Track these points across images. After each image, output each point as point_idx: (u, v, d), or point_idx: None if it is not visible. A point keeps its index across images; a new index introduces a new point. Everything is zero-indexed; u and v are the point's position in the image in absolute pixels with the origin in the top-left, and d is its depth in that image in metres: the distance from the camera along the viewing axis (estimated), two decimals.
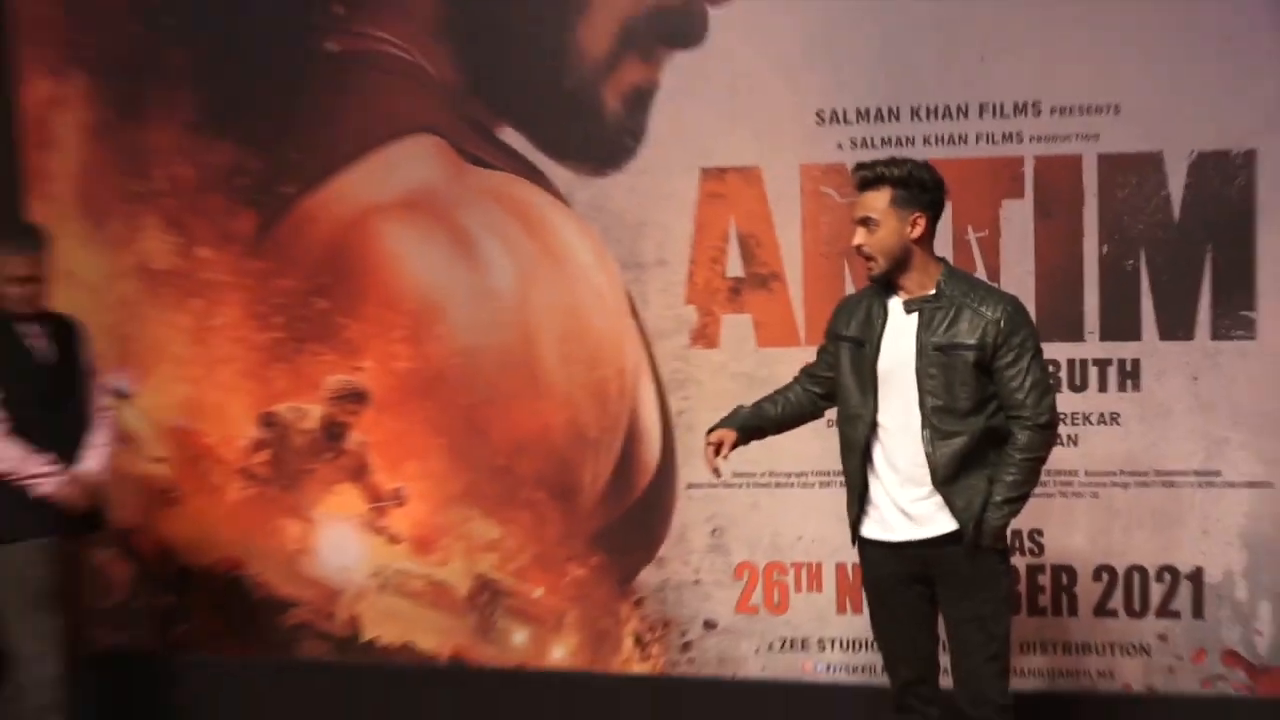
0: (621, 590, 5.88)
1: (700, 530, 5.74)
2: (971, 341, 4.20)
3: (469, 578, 5.93)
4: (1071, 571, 5.38)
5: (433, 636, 5.98)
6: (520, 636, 5.93)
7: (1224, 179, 5.17)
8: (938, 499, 4.22)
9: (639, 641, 5.89)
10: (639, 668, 5.82)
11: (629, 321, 5.66)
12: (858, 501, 4.36)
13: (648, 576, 5.79)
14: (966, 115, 5.33)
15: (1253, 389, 5.25)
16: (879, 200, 4.21)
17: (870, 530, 4.34)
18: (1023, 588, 5.37)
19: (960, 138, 5.34)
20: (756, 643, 5.64)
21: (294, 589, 6.04)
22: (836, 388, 4.44)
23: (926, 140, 5.33)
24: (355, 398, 5.93)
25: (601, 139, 5.63)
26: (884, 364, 4.29)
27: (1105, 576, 5.34)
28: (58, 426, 5.28)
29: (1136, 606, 5.32)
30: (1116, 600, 5.33)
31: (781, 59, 5.46)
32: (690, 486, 5.71)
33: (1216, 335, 5.22)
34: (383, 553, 5.99)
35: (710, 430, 4.53)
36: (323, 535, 6.01)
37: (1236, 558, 5.28)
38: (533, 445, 5.76)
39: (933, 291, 4.27)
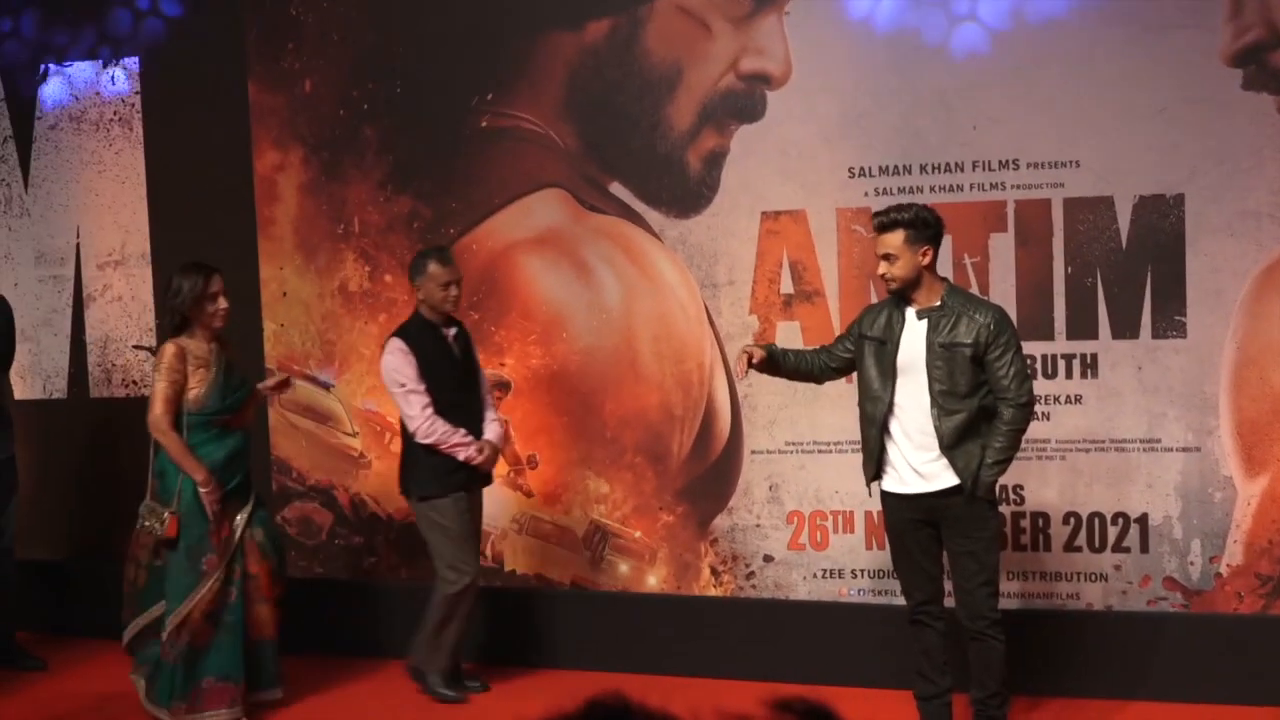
0: (701, 532, 6.19)
1: (761, 486, 6.12)
2: (969, 341, 4.62)
3: (585, 523, 6.29)
4: (1046, 517, 5.83)
5: (558, 568, 6.38)
6: (624, 568, 6.27)
7: (1160, 216, 5.56)
8: (943, 461, 4.65)
9: (714, 572, 6.20)
10: (714, 592, 6.12)
11: (706, 328, 6.01)
12: (875, 463, 4.81)
13: (720, 522, 6.12)
14: (963, 170, 5.74)
15: (1184, 376, 5.63)
16: (895, 239, 4.63)
17: (890, 485, 4.80)
18: (1008, 529, 5.80)
19: (957, 187, 5.76)
20: (804, 572, 6.07)
21: None
22: (859, 375, 4.82)
23: (932, 189, 5.75)
24: (501, 386, 6.27)
25: (686, 190, 6.04)
26: (902, 358, 4.70)
27: (1072, 521, 5.80)
28: (466, 407, 5.69)
29: (1096, 544, 5.76)
30: (1081, 539, 5.77)
31: (822, 129, 5.87)
32: (753, 453, 6.09)
33: (1156, 335, 5.63)
34: (520, 504, 6.38)
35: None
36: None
37: (1173, 506, 5.69)
38: (633, 421, 6.12)
39: (938, 303, 4.69)
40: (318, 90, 6.60)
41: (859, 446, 5.17)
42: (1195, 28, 5.57)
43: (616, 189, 6.20)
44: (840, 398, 5.84)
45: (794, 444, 6.04)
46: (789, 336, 5.95)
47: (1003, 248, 5.78)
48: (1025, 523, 5.90)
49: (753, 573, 6.22)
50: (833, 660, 5.87)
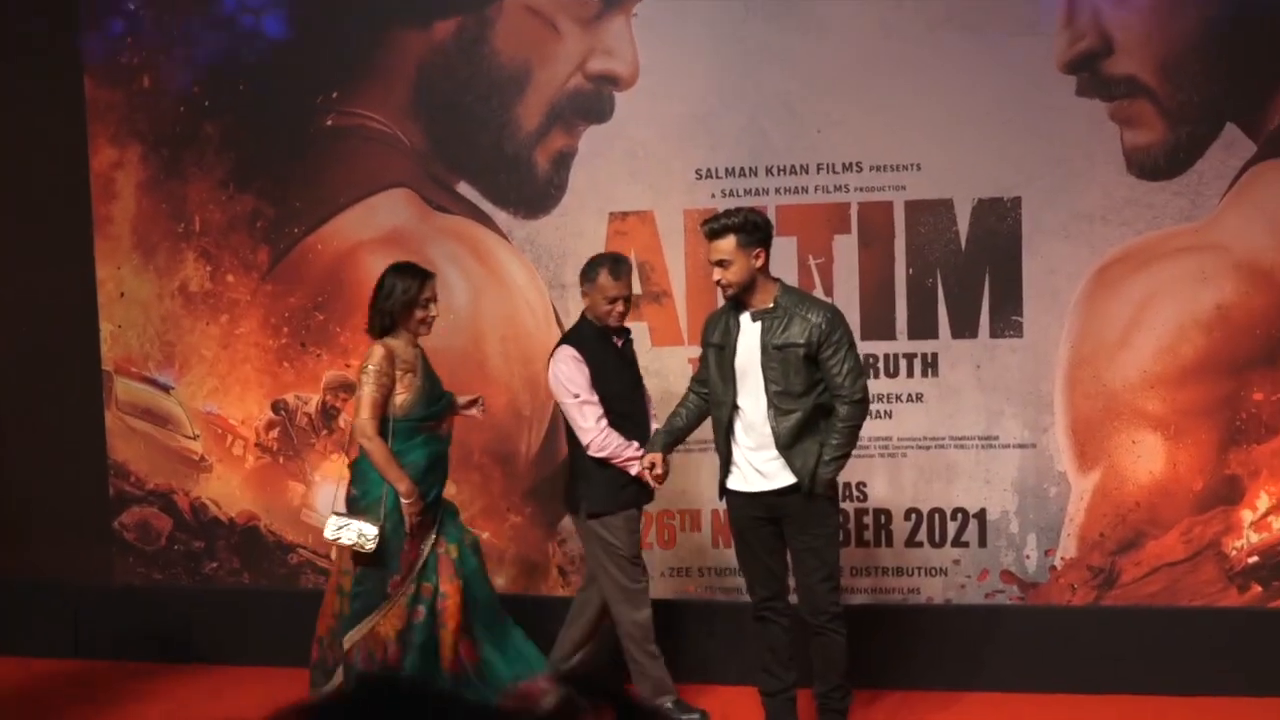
0: (549, 533, 6.02)
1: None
2: (801, 341, 4.50)
3: None
4: (888, 513, 5.70)
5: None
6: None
7: (998, 218, 5.49)
8: (781, 460, 4.53)
9: (562, 572, 6.04)
10: (562, 592, 5.88)
11: (555, 328, 5.78)
12: (725, 465, 4.68)
13: (568, 523, 5.77)
14: (807, 172, 5.61)
15: (1021, 374, 5.56)
16: (728, 245, 4.48)
17: (734, 484, 4.66)
18: (851, 526, 5.67)
19: (803, 189, 5.62)
20: (651, 571, 5.59)
21: (297, 535, 6.16)
22: (709, 382, 4.72)
23: (778, 190, 5.61)
24: (346, 388, 5.98)
25: (534, 191, 5.82)
26: (739, 361, 4.59)
27: (913, 516, 5.69)
28: (635, 419, 5.21)
29: (937, 539, 5.67)
30: (922, 534, 5.67)
31: (670, 130, 5.68)
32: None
33: (994, 334, 5.56)
34: None
35: (641, 458, 4.79)
36: (320, 493, 6.09)
37: (1010, 501, 5.62)
38: (481, 422, 5.70)
39: (771, 305, 4.54)
40: (157, 86, 6.19)
41: (706, 447, 5.05)
42: (1032, 35, 5.48)
43: (464, 189, 5.96)
44: None
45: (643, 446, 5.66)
46: (637, 337, 5.68)
47: (846, 249, 5.66)
48: (868, 519, 5.77)
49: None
50: (679, 657, 5.61)
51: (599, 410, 5.07)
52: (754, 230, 4.53)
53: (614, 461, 5.10)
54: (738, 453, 4.64)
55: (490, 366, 5.96)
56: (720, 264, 4.49)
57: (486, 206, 5.93)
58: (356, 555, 4.85)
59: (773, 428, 4.51)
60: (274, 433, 6.14)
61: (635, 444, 5.12)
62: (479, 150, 5.90)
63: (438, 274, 5.28)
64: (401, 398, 4.89)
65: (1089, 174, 5.46)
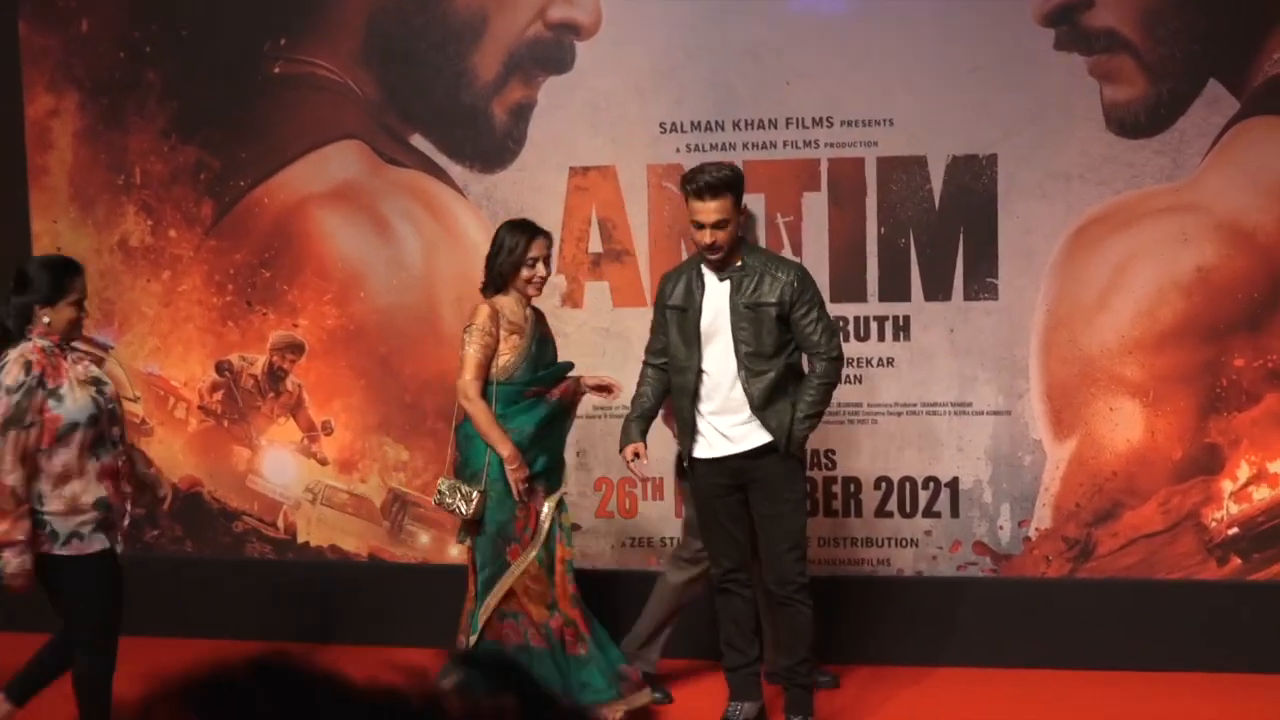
0: None
1: (568, 452, 5.42)
2: (773, 300, 4.40)
3: (383, 491, 5.89)
4: (857, 482, 5.56)
5: (354, 539, 5.96)
6: (424, 539, 5.88)
7: (973, 176, 5.36)
8: (754, 422, 4.42)
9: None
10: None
11: None
12: (690, 435, 4.53)
13: None
14: (776, 126, 5.47)
15: (996, 339, 5.45)
16: (726, 204, 4.34)
17: (700, 451, 4.54)
18: (820, 495, 5.54)
19: (771, 144, 5.48)
20: (612, 540, 5.72)
21: (242, 502, 6.00)
22: (668, 347, 4.57)
23: (745, 146, 5.47)
24: (293, 348, 5.88)
25: (491, 144, 5.66)
26: (705, 323, 4.46)
27: (883, 485, 5.55)
28: None
29: (907, 509, 5.53)
30: (892, 504, 5.53)
31: (633, 81, 5.54)
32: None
33: (968, 297, 5.43)
34: (314, 472, 5.96)
35: (622, 449, 4.66)
36: (266, 459, 5.98)
37: (984, 470, 5.50)
38: (434, 384, 5.68)
39: (739, 263, 4.43)
40: (95, 30, 5.96)
41: (667, 414, 4.89)
42: None
43: (418, 141, 5.79)
44: None
45: (602, 409, 5.55)
46: (598, 297, 5.64)
47: (816, 207, 5.53)
48: (836, 488, 5.63)
49: None
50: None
51: None
52: (739, 188, 4.45)
53: None
54: (701, 421, 4.52)
55: (444, 327, 5.78)
56: (717, 225, 4.33)
57: (441, 160, 5.77)
58: (468, 525, 4.70)
59: (745, 389, 4.41)
60: (218, 395, 6.00)
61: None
62: (434, 101, 5.74)
63: (392, 228, 5.17)
64: (505, 359, 4.69)
65: (1067, 131, 5.34)
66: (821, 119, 5.49)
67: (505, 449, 4.58)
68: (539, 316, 4.84)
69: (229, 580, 5.94)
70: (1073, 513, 5.50)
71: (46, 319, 3.87)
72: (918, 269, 5.48)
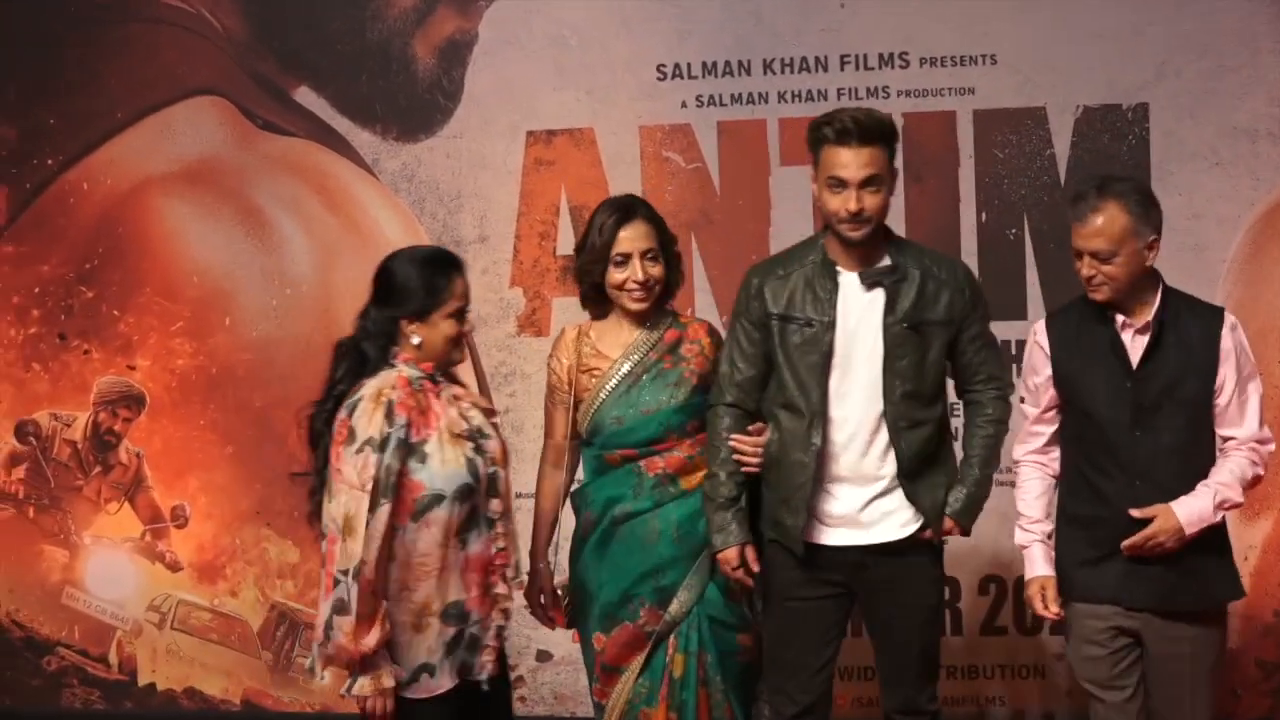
0: None
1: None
2: (941, 316, 3.69)
3: (263, 609, 5.21)
4: (954, 584, 4.58)
5: (221, 679, 5.25)
6: (324, 676, 5.03)
7: (1114, 137, 4.64)
8: (895, 496, 3.70)
9: None
10: None
11: None
12: (795, 509, 3.67)
13: None
14: (826, 69, 4.77)
15: None
16: (881, 158, 3.61)
17: (819, 534, 3.70)
18: None
19: (820, 94, 4.75)
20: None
21: (56, 628, 5.29)
22: (761, 380, 3.75)
23: (782, 97, 4.74)
24: (128, 402, 5.26)
25: (412, 99, 5.02)
26: (843, 346, 3.70)
27: (992, 589, 4.60)
28: None
29: (1028, 622, 4.54)
30: (1005, 615, 4.59)
31: (616, 6, 4.91)
32: (519, 496, 4.46)
33: None
34: (161, 582, 5.26)
35: (719, 551, 3.75)
36: (91, 563, 5.27)
37: None
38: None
39: (887, 261, 3.69)
40: None
41: None
42: None
43: (305, 96, 5.09)
44: None
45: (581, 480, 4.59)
46: (571, 316, 4.68)
47: None
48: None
49: (520, 678, 5.05)
50: None
51: None
52: (897, 144, 3.75)
53: None
54: (824, 494, 3.71)
55: None
56: (868, 184, 3.58)
57: (339, 123, 5.10)
58: None
59: (896, 446, 3.67)
60: (19, 471, 5.31)
61: None
62: (327, 39, 5.09)
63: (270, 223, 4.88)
64: None
65: (1249, 69, 4.61)
66: (892, 56, 4.77)
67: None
68: None
69: None
70: (1270, 626, 4.64)
71: (417, 339, 3.45)
72: (1035, 271, 4.72)
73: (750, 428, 3.70)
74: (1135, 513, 3.24)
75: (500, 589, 3.45)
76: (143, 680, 5.23)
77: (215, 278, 5.15)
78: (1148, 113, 4.60)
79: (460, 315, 3.45)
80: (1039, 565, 3.43)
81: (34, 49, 5.19)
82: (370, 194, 5.07)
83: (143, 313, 5.15)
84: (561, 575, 3.80)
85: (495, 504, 3.45)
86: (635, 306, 3.73)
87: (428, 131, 4.99)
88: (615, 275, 3.69)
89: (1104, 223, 3.31)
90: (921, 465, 3.70)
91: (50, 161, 5.18)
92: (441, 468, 3.34)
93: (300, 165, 5.11)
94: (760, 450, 3.65)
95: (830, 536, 3.71)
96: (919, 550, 3.74)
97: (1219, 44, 4.57)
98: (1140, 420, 3.28)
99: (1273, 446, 3.27)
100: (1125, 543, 3.27)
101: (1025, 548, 3.43)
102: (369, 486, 3.27)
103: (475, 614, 3.40)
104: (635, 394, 3.76)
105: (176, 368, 5.17)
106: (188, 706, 5.24)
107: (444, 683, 3.36)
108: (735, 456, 3.69)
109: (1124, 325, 3.31)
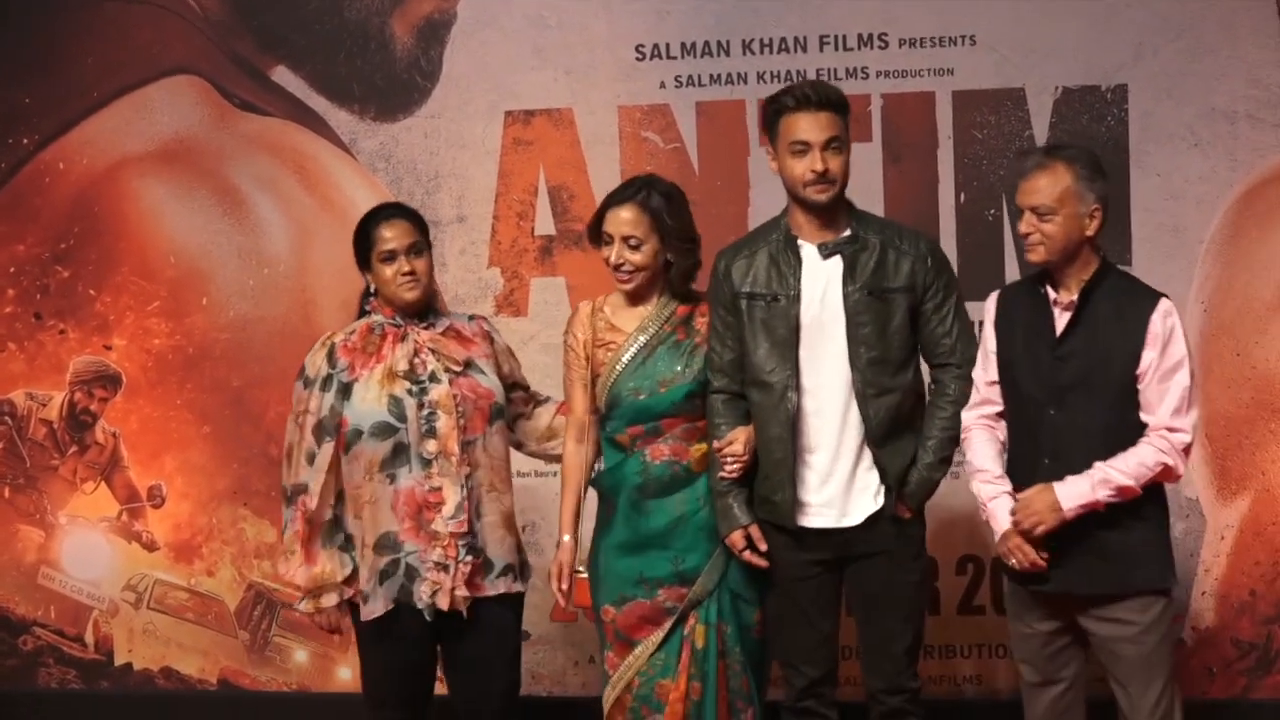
0: None
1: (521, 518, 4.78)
2: (902, 284, 3.73)
3: (240, 588, 5.20)
4: (932, 564, 4.49)
5: (198, 658, 5.25)
6: (301, 655, 5.21)
7: (1093, 117, 4.65)
8: (868, 466, 3.71)
9: None
10: (439, 688, 4.53)
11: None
12: (781, 487, 3.69)
13: None
14: (805, 49, 4.77)
15: None
16: (840, 124, 3.69)
17: (807, 517, 3.71)
18: None
19: (799, 74, 4.71)
20: (575, 655, 4.91)
21: (32, 607, 5.27)
22: (742, 359, 3.79)
23: (761, 78, 4.72)
24: (105, 381, 5.23)
25: (389, 79, 4.99)
26: (807, 317, 3.73)
27: (970, 568, 4.62)
28: None
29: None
30: (983, 595, 4.61)
31: None
32: (520, 476, 4.52)
33: None
34: (138, 561, 5.24)
35: (726, 535, 3.74)
36: (67, 543, 5.25)
37: None
38: None
39: (848, 233, 3.73)
40: None
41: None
42: None
43: (282, 76, 5.07)
44: None
45: (558, 460, 4.37)
46: (549, 296, 4.85)
47: (865, 165, 4.64)
48: None
49: None
50: None
51: None
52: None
53: None
54: (805, 468, 3.74)
55: None
56: (829, 146, 3.65)
57: (317, 103, 5.08)
58: None
59: (864, 414, 3.71)
60: None
61: None
62: (305, 18, 5.08)
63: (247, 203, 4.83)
64: None
65: (1228, 50, 4.59)
66: (871, 37, 4.76)
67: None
68: None
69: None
70: (1246, 604, 4.63)
71: (373, 287, 3.75)
72: (1013, 253, 4.67)
73: (716, 443, 3.68)
74: (990, 508, 3.32)
75: (437, 525, 3.54)
76: (119, 660, 5.23)
77: (192, 257, 5.15)
78: (1126, 94, 4.59)
79: (389, 258, 3.63)
80: (1006, 503, 3.38)
81: (8, 28, 5.17)
82: (347, 174, 5.07)
83: (119, 292, 5.15)
84: (584, 551, 3.77)
85: (431, 444, 3.56)
86: (621, 288, 3.78)
87: (405, 111, 4.99)
88: (604, 254, 3.76)
89: (1047, 180, 3.33)
90: (891, 432, 3.72)
91: (26, 141, 5.16)
92: (362, 405, 3.54)
93: (277, 145, 5.11)
94: (739, 456, 3.63)
95: (812, 520, 3.75)
96: (901, 527, 3.78)
97: (1197, 25, 4.56)
98: (1057, 398, 3.28)
99: (1185, 438, 3.23)
100: (1013, 516, 3.30)
101: (994, 498, 3.35)
102: (301, 420, 3.54)
103: (409, 544, 3.54)
104: (651, 366, 3.78)
105: (153, 347, 5.18)
106: (164, 686, 5.24)
107: (375, 608, 3.52)
108: (721, 474, 3.69)
109: (1054, 301, 3.31)
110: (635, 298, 3.72)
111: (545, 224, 4.85)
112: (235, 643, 5.17)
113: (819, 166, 3.64)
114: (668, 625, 3.66)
